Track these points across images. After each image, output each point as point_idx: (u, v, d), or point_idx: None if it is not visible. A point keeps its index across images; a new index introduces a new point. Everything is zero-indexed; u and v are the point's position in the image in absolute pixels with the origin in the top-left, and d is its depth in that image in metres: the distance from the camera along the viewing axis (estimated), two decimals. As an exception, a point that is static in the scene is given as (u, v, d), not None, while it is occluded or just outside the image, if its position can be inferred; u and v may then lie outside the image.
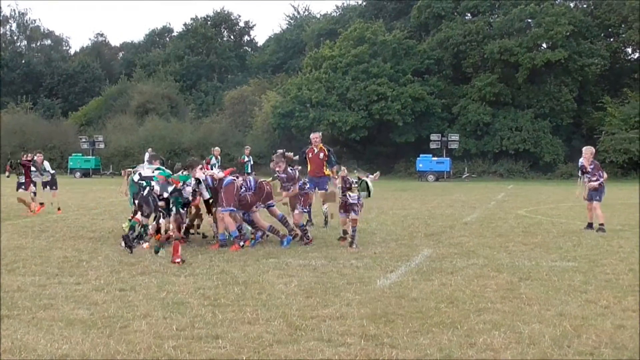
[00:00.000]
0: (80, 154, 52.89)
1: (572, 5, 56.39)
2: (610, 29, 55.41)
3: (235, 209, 11.72)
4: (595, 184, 14.56)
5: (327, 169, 14.83)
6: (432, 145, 49.78)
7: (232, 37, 79.72)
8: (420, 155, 48.04)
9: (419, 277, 9.08)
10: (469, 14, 57.48)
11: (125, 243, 11.14)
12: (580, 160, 15.36)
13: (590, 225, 14.70)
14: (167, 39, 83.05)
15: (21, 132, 56.27)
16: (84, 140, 54.77)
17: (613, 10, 52.76)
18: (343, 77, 52.29)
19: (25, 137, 56.17)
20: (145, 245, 11.52)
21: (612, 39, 55.63)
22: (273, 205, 12.47)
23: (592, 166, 14.70)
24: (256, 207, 12.13)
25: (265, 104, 55.53)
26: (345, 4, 71.18)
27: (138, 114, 61.02)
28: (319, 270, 9.28)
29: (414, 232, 14.22)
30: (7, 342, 5.91)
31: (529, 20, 52.45)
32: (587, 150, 15.02)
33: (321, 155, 14.95)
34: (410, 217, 17.66)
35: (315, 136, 15.13)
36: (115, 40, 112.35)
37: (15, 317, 6.76)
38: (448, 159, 48.97)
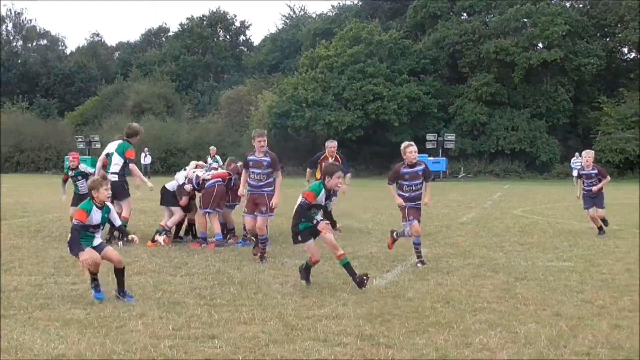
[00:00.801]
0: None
1: (568, 5, 56.38)
2: (606, 29, 55.42)
3: (211, 211, 12.15)
4: (598, 187, 14.09)
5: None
6: (428, 145, 49.76)
7: (228, 36, 79.68)
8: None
9: (415, 277, 9.09)
10: (464, 14, 57.50)
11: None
12: (573, 160, 15.21)
13: (601, 229, 13.96)
14: (163, 38, 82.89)
15: (17, 132, 56.13)
16: (80, 140, 54.69)
17: (609, 10, 52.78)
18: (339, 76, 52.24)
19: (22, 137, 56.02)
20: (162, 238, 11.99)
21: (608, 39, 55.62)
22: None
23: (595, 170, 14.20)
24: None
25: (261, 104, 55.43)
26: (341, 4, 71.21)
27: (134, 113, 60.81)
28: (314, 270, 9.26)
29: (411, 232, 14.20)
30: (3, 342, 5.92)
31: (525, 20, 52.46)
32: (588, 154, 14.47)
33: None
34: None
35: (332, 145, 14.65)
36: (111, 40, 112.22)
37: (12, 317, 6.77)
38: (444, 158, 48.98)
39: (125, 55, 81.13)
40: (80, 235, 7.50)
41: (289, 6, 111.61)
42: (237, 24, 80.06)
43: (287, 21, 75.50)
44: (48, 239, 12.78)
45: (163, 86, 66.15)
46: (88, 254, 7.39)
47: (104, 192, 7.59)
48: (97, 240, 7.70)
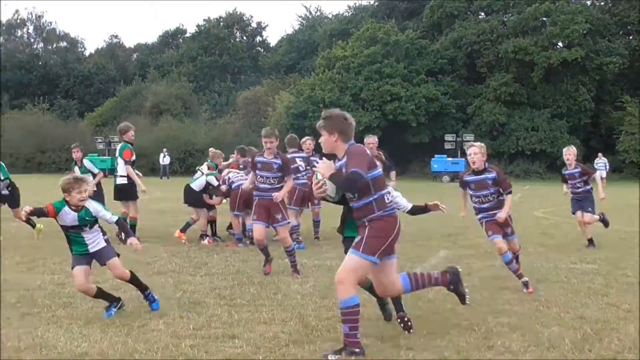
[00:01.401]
0: (97, 155, 53.11)
1: (588, 3, 55.86)
2: (629, 27, 54.67)
3: (239, 213, 12.24)
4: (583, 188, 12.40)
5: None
6: (447, 146, 49.58)
7: (244, 38, 79.96)
8: (435, 155, 47.84)
9: (436, 278, 9.01)
10: (482, 13, 57.26)
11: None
12: (597, 161, 13.87)
13: (591, 242, 12.29)
14: (180, 40, 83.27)
15: (39, 133, 56.42)
16: (99, 140, 55.01)
17: (632, 8, 52.10)
18: (356, 77, 52.20)
19: (43, 138, 56.30)
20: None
21: (631, 37, 54.88)
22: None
23: (578, 169, 12.43)
24: None
25: (278, 105, 55.55)
26: (357, 4, 71.13)
27: (152, 114, 61.16)
28: (334, 270, 9.12)
29: (430, 233, 14.14)
30: (28, 339, 5.97)
31: (544, 19, 52.09)
32: (568, 150, 12.59)
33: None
34: (425, 218, 17.53)
35: (371, 141, 12.76)
36: (129, 42, 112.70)
37: (36, 315, 6.83)
38: (463, 159, 48.73)
39: (143, 56, 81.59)
40: (68, 238, 6.97)
41: (305, 7, 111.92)
42: (254, 25, 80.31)
43: (304, 22, 75.60)
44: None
45: (180, 87, 66.43)
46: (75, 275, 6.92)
47: (76, 196, 6.67)
48: (96, 246, 6.94)
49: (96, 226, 6.93)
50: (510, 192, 8.66)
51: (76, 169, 13.69)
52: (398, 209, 6.84)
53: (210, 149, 15.37)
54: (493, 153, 51.64)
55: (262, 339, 6.02)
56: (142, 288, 7.17)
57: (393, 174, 13.04)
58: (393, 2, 63.31)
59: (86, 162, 13.63)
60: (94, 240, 6.90)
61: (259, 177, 9.65)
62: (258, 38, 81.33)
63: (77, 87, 72.74)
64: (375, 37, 53.38)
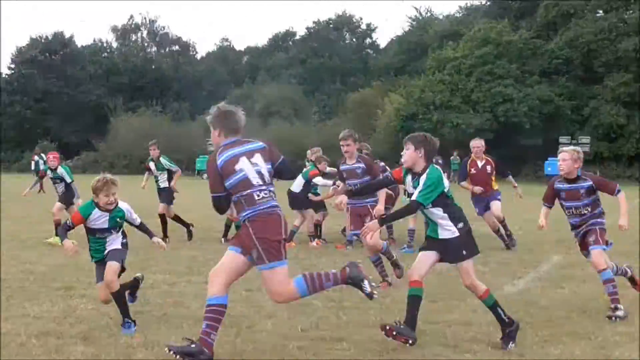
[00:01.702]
0: (207, 157, 54.44)
1: None
2: None
3: None
4: None
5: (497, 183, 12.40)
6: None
7: (354, 39, 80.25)
8: (549, 158, 46.31)
9: (549, 284, 8.77)
10: (600, 11, 54.97)
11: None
12: None
13: None
14: (290, 42, 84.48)
15: (151, 136, 58.10)
16: (210, 142, 56.36)
17: None
18: (467, 78, 51.32)
19: (155, 140, 57.99)
20: None
21: None
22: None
23: None
24: None
25: (388, 107, 55.39)
26: (468, 4, 70.00)
27: (262, 117, 62.33)
28: (444, 274, 9.08)
29: (542, 238, 13.64)
30: (141, 337, 6.17)
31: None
32: None
33: (488, 168, 12.18)
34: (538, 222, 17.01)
35: (477, 145, 11.98)
36: (239, 45, 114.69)
37: (147, 313, 7.06)
38: (578, 162, 46.94)
39: (253, 59, 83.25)
40: (90, 242, 6.77)
41: (415, 8, 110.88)
42: (363, 26, 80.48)
43: (414, 23, 75.09)
44: (182, 239, 13.36)
45: (290, 90, 67.34)
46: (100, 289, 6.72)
47: (103, 198, 6.54)
48: (110, 246, 6.74)
49: (121, 230, 6.86)
50: (620, 191, 7.62)
51: (151, 164, 14.12)
52: None
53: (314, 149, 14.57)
54: (610, 156, 49.57)
55: (370, 342, 6.01)
56: (124, 309, 6.57)
57: (511, 178, 12.56)
58: (506, 2, 61.83)
59: (163, 160, 14.05)
60: (112, 243, 6.74)
61: (348, 185, 9.13)
62: (367, 40, 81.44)
63: (188, 89, 74.83)
64: (487, 38, 52.33)
